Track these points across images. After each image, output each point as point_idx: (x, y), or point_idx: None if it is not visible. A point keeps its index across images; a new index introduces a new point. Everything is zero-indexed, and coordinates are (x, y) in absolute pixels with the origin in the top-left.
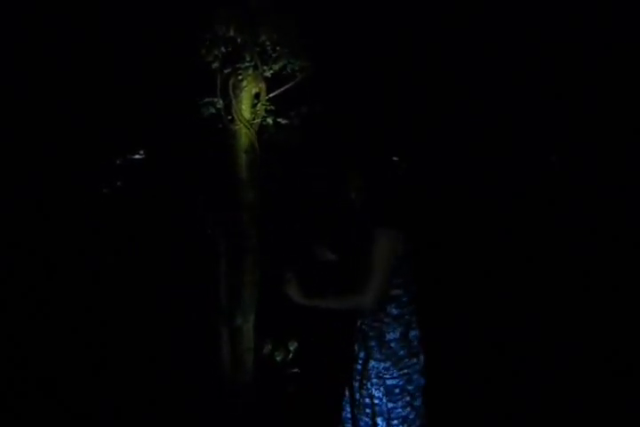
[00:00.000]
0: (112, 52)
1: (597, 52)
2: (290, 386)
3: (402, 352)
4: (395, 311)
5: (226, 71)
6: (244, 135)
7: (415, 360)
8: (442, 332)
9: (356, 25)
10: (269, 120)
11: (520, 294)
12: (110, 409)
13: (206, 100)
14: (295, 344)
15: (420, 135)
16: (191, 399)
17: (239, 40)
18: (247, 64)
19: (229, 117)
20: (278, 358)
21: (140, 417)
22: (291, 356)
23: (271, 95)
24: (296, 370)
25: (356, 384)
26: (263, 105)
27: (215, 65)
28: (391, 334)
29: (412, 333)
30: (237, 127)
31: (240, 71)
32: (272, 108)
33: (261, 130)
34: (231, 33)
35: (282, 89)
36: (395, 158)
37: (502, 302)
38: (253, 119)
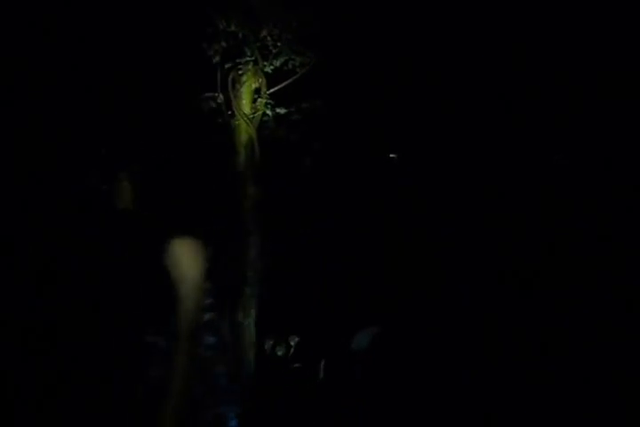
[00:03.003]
0: (110, 46)
1: (598, 51)
2: (291, 380)
3: None
4: None
5: (226, 66)
6: (244, 131)
7: None
8: (442, 332)
9: (360, 24)
10: (269, 112)
11: (521, 294)
12: (110, 409)
13: (207, 94)
14: (296, 339)
15: (419, 134)
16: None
17: (240, 35)
18: (248, 59)
19: (229, 112)
20: (280, 353)
21: (139, 417)
22: (292, 351)
23: (272, 90)
24: (297, 365)
25: None
26: (263, 99)
27: (216, 59)
28: None
29: None
30: (237, 122)
31: (240, 66)
32: (271, 102)
33: (262, 126)
34: (232, 28)
35: (283, 84)
36: (392, 155)
37: (503, 302)
38: (254, 114)
